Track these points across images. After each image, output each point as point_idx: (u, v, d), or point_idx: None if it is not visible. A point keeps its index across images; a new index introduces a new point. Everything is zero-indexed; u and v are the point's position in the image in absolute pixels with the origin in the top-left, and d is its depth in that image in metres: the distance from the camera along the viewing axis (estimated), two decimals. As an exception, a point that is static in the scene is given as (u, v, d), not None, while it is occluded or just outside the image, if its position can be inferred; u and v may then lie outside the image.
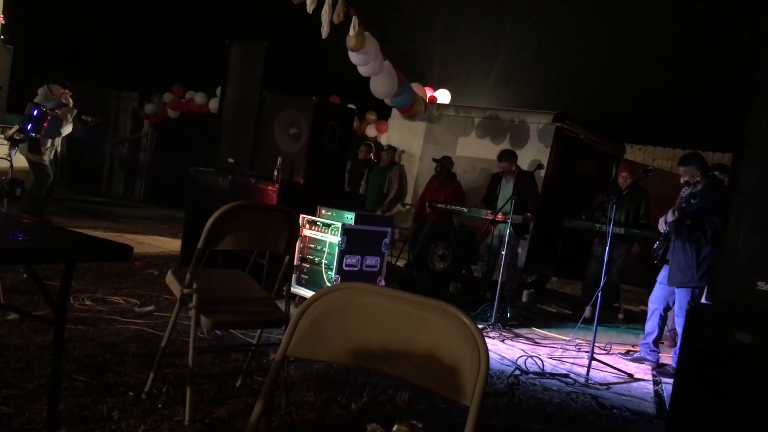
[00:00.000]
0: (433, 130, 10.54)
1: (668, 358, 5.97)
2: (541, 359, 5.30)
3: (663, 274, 5.70)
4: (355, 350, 1.85)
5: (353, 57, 8.35)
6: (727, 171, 6.20)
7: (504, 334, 6.19)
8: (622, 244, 7.34)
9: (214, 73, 8.64)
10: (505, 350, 5.64)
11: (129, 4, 18.04)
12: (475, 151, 9.88)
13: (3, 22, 8.82)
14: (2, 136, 6.95)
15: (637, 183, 7.20)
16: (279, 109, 6.56)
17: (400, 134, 10.96)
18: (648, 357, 5.81)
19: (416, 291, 1.92)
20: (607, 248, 5.60)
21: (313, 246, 5.94)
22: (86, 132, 9.14)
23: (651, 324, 5.81)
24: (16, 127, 6.15)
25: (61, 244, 2.45)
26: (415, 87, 10.46)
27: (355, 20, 7.75)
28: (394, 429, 1.90)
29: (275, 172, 6.31)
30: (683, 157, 5.70)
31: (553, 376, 5.01)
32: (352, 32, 7.82)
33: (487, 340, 5.25)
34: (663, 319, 5.80)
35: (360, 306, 1.86)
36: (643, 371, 5.61)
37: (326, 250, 5.80)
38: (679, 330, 5.36)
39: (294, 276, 5.98)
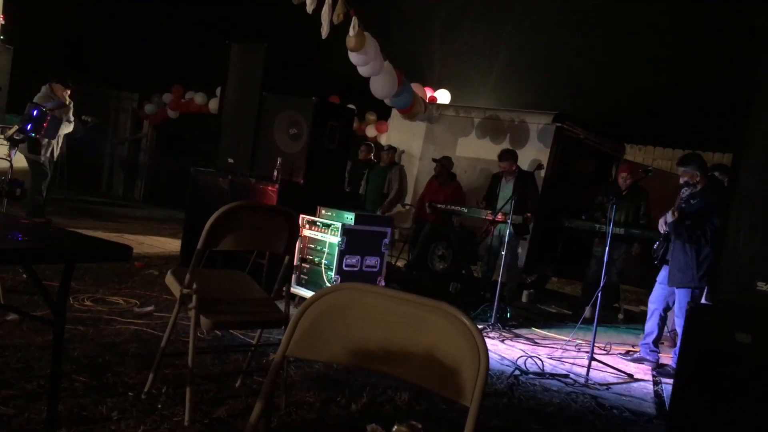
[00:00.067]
0: (433, 131, 10.54)
1: (668, 358, 5.97)
2: (540, 359, 5.30)
3: (663, 275, 5.70)
4: (355, 350, 1.85)
5: (353, 57, 8.35)
6: (727, 171, 6.20)
7: (504, 334, 6.19)
8: (621, 244, 7.34)
9: (214, 74, 8.64)
10: (504, 350, 5.64)
11: (129, 4, 18.04)
12: (474, 151, 9.88)
13: (3, 22, 8.82)
14: (2, 136, 6.94)
15: (637, 183, 7.20)
16: (279, 110, 6.56)
17: (400, 134, 10.96)
18: (648, 357, 5.81)
19: (416, 291, 1.92)
20: (607, 248, 5.60)
21: (312, 246, 5.94)
22: (86, 132, 9.15)
23: (651, 324, 5.81)
24: (16, 127, 6.15)
25: (60, 245, 2.45)
26: (415, 87, 10.46)
27: (354, 20, 7.76)
28: (393, 429, 1.90)
29: (275, 173, 6.30)
30: (682, 158, 5.71)
31: (552, 376, 5.01)
32: (351, 32, 7.83)
33: (487, 340, 5.25)
34: (663, 320, 5.79)
35: (360, 306, 1.86)
36: (642, 371, 5.61)
37: (326, 250, 5.80)
38: (679, 330, 5.35)
39: (294, 276, 5.98)
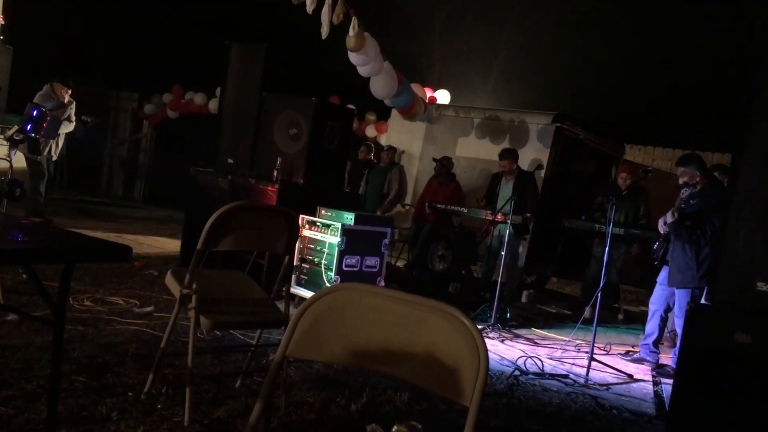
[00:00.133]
0: (433, 131, 10.54)
1: (668, 358, 5.97)
2: (540, 360, 5.30)
3: (663, 275, 5.70)
4: (355, 351, 1.85)
5: (353, 57, 8.36)
6: (727, 171, 6.20)
7: (503, 334, 6.18)
8: (621, 244, 7.34)
9: (213, 74, 8.64)
10: (504, 351, 5.64)
11: (129, 4, 18.04)
12: (474, 151, 9.89)
13: (3, 22, 8.82)
14: (2, 136, 6.94)
15: (637, 183, 7.20)
16: (279, 110, 6.56)
17: (400, 135, 10.96)
18: (648, 358, 5.81)
19: (416, 291, 1.92)
20: (607, 249, 5.60)
21: (312, 246, 5.94)
22: (86, 132, 9.15)
23: (651, 325, 5.81)
24: (16, 127, 6.15)
25: (60, 245, 2.45)
26: (415, 87, 10.46)
27: (354, 21, 7.76)
28: (393, 430, 1.90)
29: (275, 173, 6.30)
30: (682, 158, 5.70)
31: (552, 376, 5.01)
32: (351, 33, 7.83)
33: (487, 340, 5.24)
34: (664, 321, 5.79)
35: (359, 307, 1.86)
36: (642, 372, 5.61)
37: (326, 250, 5.80)
38: (679, 331, 5.35)
39: (293, 276, 5.98)
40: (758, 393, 3.05)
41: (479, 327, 2.54)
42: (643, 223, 7.28)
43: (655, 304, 5.79)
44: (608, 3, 17.13)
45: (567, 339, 6.31)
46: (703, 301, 4.95)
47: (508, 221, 6.65)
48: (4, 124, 7.60)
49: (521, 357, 5.33)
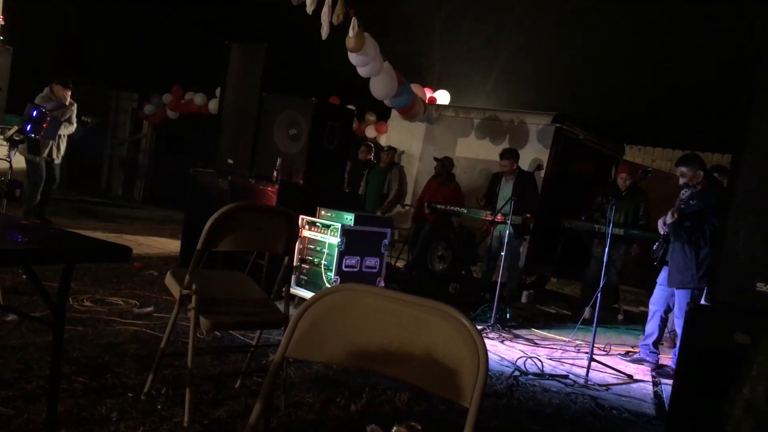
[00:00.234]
0: (433, 131, 10.55)
1: (668, 359, 5.97)
2: (540, 360, 5.30)
3: (663, 276, 5.70)
4: (355, 351, 1.85)
5: (353, 58, 8.36)
6: (726, 172, 6.20)
7: (503, 335, 6.18)
8: (621, 245, 7.34)
9: (213, 74, 8.64)
10: (504, 351, 5.64)
11: (129, 4, 18.05)
12: (474, 151, 9.89)
13: (2, 22, 8.82)
14: (1, 137, 6.95)
15: (637, 184, 7.21)
16: (279, 110, 6.56)
17: (400, 135, 10.96)
18: (647, 358, 5.81)
19: (415, 292, 1.92)
20: (607, 249, 5.59)
21: (312, 247, 5.94)
22: (85, 132, 9.15)
23: (651, 325, 5.81)
24: (16, 128, 6.15)
25: (60, 245, 2.45)
26: (415, 88, 10.47)
27: (354, 21, 7.76)
28: (393, 430, 1.90)
29: (275, 173, 6.30)
30: (683, 158, 5.68)
31: (552, 377, 5.01)
32: (351, 33, 7.84)
33: (487, 341, 5.24)
34: (663, 321, 5.79)
35: (359, 307, 1.86)
36: (642, 372, 5.61)
37: (326, 251, 5.80)
38: (679, 331, 5.35)
39: (293, 277, 5.98)
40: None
41: (479, 327, 2.54)
42: (642, 224, 7.28)
43: (655, 305, 5.79)
44: (608, 3, 17.14)
45: (567, 339, 6.31)
46: (702, 301, 4.94)
47: (508, 221, 6.65)
48: (3, 124, 7.62)
49: (521, 357, 5.33)
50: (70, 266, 2.39)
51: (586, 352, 5.44)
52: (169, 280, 3.41)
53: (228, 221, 3.19)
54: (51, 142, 8.45)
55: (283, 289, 3.65)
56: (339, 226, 5.71)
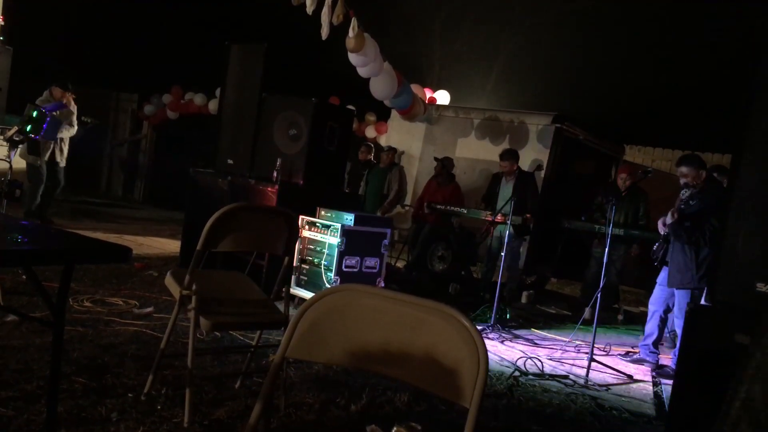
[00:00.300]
0: (433, 131, 10.55)
1: (667, 359, 5.97)
2: (540, 360, 5.30)
3: (662, 276, 5.70)
4: (354, 352, 1.85)
5: (353, 58, 8.36)
6: (726, 172, 6.20)
7: (503, 335, 6.18)
8: (621, 245, 7.34)
9: (213, 74, 8.64)
10: (504, 351, 5.64)
11: (129, 5, 18.04)
12: (474, 152, 9.89)
13: (2, 23, 8.82)
14: (1, 137, 6.95)
15: (637, 184, 7.21)
16: (278, 110, 6.56)
17: (400, 135, 10.97)
18: (647, 358, 5.81)
19: (415, 292, 1.91)
20: (607, 249, 5.60)
21: (312, 247, 5.94)
22: (85, 133, 9.16)
23: (651, 326, 5.81)
24: (15, 128, 6.15)
25: (60, 246, 2.45)
26: (415, 88, 10.47)
27: (354, 21, 7.76)
28: (393, 430, 1.90)
29: (274, 174, 6.30)
30: (684, 158, 5.66)
31: (552, 377, 5.01)
32: (351, 33, 7.83)
33: (487, 341, 5.25)
34: (663, 321, 5.79)
35: (359, 308, 1.86)
36: (642, 372, 5.61)
37: (325, 251, 5.80)
38: (679, 331, 5.35)
39: (293, 277, 5.98)
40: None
41: (479, 328, 2.54)
42: (642, 224, 7.28)
43: (654, 305, 5.79)
44: (608, 3, 17.14)
45: (567, 340, 6.30)
46: (702, 301, 4.94)
47: (508, 222, 6.65)
48: (3, 124, 7.62)
49: (521, 358, 5.33)
50: (70, 267, 2.39)
51: (586, 353, 5.44)
52: (169, 281, 3.41)
53: (228, 222, 3.19)
54: (53, 145, 8.47)
55: (283, 289, 3.65)
56: (339, 226, 5.71)
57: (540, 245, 8.51)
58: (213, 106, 13.55)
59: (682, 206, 5.47)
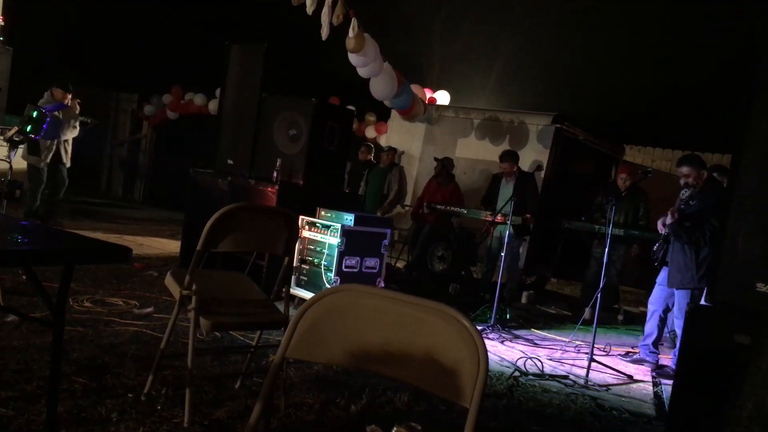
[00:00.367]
0: (433, 132, 10.55)
1: (667, 359, 5.97)
2: (540, 361, 5.30)
3: (662, 276, 5.70)
4: (354, 352, 1.85)
5: (353, 58, 8.36)
6: (726, 172, 6.20)
7: (503, 335, 6.18)
8: (621, 245, 7.34)
9: (213, 75, 8.65)
10: (504, 352, 5.64)
11: (129, 5, 18.05)
12: (474, 152, 9.89)
13: (2, 23, 8.83)
14: (1, 137, 6.96)
15: (636, 184, 7.21)
16: (278, 111, 6.56)
17: (400, 135, 10.97)
18: (647, 358, 5.81)
19: (415, 292, 1.91)
20: (606, 249, 5.60)
21: (312, 247, 5.94)
22: (85, 133, 9.17)
23: (650, 326, 5.81)
24: (15, 128, 6.15)
25: (60, 246, 2.45)
26: (415, 88, 10.47)
27: (354, 21, 7.76)
28: (393, 431, 1.90)
29: (274, 174, 6.30)
30: (685, 158, 5.65)
31: (552, 377, 5.01)
32: (351, 34, 7.83)
33: (487, 341, 5.25)
34: (662, 321, 5.79)
35: (359, 308, 1.86)
36: (642, 373, 5.61)
37: (325, 251, 5.80)
38: (679, 331, 5.35)
39: (293, 277, 5.98)
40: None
41: (479, 328, 2.54)
42: (642, 224, 7.28)
43: (653, 305, 5.79)
44: (608, 3, 17.14)
45: (567, 340, 6.30)
46: (702, 301, 4.94)
47: (508, 222, 6.65)
48: (3, 125, 7.62)
49: (521, 358, 5.33)
50: (70, 267, 2.39)
51: (586, 353, 5.44)
52: (169, 281, 3.41)
53: (228, 222, 3.19)
54: (59, 146, 8.48)
55: (283, 289, 3.65)
56: (339, 226, 5.71)
57: (540, 245, 8.51)
58: (213, 106, 13.55)
59: (682, 206, 5.47)
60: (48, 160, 8.48)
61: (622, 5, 17.47)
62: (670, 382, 4.07)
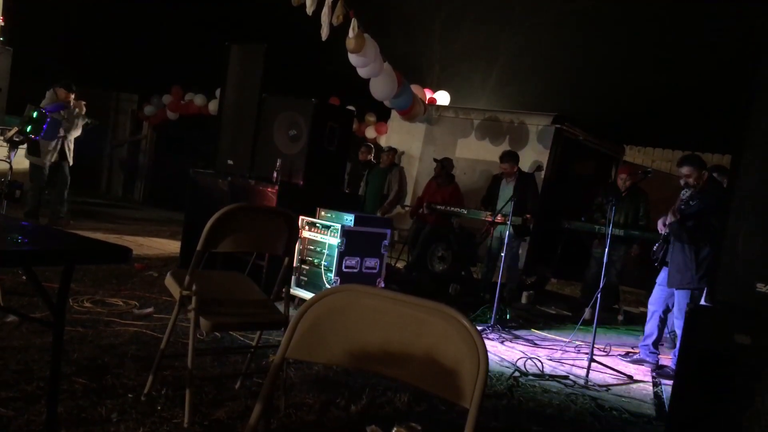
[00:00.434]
0: (433, 132, 10.55)
1: (667, 359, 5.97)
2: (540, 361, 5.30)
3: (662, 276, 5.70)
4: (355, 352, 1.85)
5: (353, 59, 8.36)
6: (726, 172, 6.20)
7: (503, 335, 6.18)
8: (621, 245, 7.34)
9: (213, 75, 8.65)
10: (504, 352, 5.64)
11: (129, 5, 18.05)
12: (474, 152, 9.89)
13: (2, 23, 8.83)
14: (1, 138, 6.96)
15: (637, 185, 7.21)
16: (278, 111, 6.56)
17: (400, 136, 10.97)
18: (647, 359, 5.81)
19: (415, 292, 1.91)
20: (606, 250, 5.60)
21: (312, 248, 5.94)
22: (85, 134, 9.18)
23: (650, 326, 5.81)
24: (15, 129, 6.15)
25: (60, 246, 2.45)
26: (415, 88, 10.47)
27: (354, 22, 7.76)
28: (393, 431, 1.90)
29: (274, 174, 6.30)
30: (686, 158, 5.65)
31: (552, 377, 5.01)
32: (351, 34, 7.83)
33: (487, 341, 5.26)
34: (662, 321, 5.79)
35: (359, 308, 1.86)
36: (642, 373, 5.61)
37: (326, 251, 5.80)
38: (679, 332, 5.35)
39: (293, 278, 5.98)
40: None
41: (479, 328, 2.54)
42: (642, 224, 7.28)
43: (653, 305, 5.79)
44: (608, 3, 17.13)
45: (567, 340, 6.30)
46: (702, 301, 4.94)
47: (508, 222, 6.65)
48: (3, 125, 7.62)
49: (521, 358, 5.33)
50: (70, 267, 2.39)
51: (586, 353, 5.44)
52: (169, 281, 3.41)
53: (228, 222, 3.19)
54: (62, 145, 8.49)
55: (283, 289, 3.65)
56: (339, 226, 5.71)
57: (540, 246, 8.51)
58: (213, 106, 13.54)
59: (683, 206, 5.47)
60: (54, 159, 8.48)
61: (622, 5, 17.47)
62: (670, 382, 4.07)
